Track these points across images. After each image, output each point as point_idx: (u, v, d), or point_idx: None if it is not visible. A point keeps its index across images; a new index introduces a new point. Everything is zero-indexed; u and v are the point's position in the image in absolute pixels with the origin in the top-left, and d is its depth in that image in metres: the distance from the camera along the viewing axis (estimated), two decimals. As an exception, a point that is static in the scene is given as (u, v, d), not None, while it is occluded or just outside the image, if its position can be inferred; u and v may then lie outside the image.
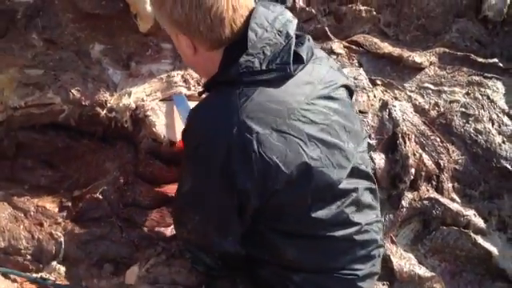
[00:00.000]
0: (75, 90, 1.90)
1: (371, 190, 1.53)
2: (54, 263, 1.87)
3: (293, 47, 1.30)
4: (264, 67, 1.26)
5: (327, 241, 1.40)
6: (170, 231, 1.97)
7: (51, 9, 1.88)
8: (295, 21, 1.36)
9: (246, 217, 1.35)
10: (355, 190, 1.43)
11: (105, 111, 1.93)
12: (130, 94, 1.97)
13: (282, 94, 1.28)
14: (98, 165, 2.04)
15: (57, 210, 1.96)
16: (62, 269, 1.87)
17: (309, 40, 1.39)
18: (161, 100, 2.05)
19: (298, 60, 1.33)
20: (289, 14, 1.36)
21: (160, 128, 1.99)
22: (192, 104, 2.02)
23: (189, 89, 2.08)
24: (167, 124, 2.01)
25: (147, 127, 1.99)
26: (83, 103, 1.91)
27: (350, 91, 1.53)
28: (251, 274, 1.54)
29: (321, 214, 1.35)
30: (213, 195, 1.31)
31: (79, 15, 1.92)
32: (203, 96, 1.52)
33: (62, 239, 1.90)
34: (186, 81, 2.09)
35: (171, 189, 2.00)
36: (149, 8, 1.88)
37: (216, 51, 1.31)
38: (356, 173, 1.44)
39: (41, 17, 1.88)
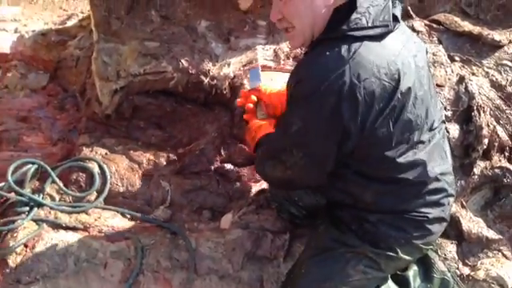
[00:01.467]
0: (184, 60, 2.19)
1: (444, 145, 1.70)
2: (162, 207, 2.18)
3: (391, 7, 1.51)
4: (370, 24, 1.47)
5: (402, 184, 1.59)
6: (258, 186, 2.24)
7: (168, -10, 2.18)
8: None
9: (340, 155, 1.53)
10: (432, 139, 1.61)
11: (208, 79, 2.20)
12: (229, 65, 2.24)
13: (383, 48, 1.49)
14: (199, 127, 2.32)
15: (164, 163, 2.28)
16: (169, 212, 2.17)
17: (400, 3, 1.58)
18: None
19: (395, 19, 1.53)
20: None
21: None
22: (270, 74, 2.23)
23: (278, 63, 2.32)
24: None
25: (242, 94, 2.25)
26: (190, 72, 2.19)
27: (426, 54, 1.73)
28: (330, 215, 1.76)
29: (401, 156, 1.55)
30: (321, 133, 1.50)
31: (190, -5, 2.21)
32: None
33: (169, 188, 2.21)
34: (276, 55, 2.33)
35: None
36: (250, -12, 2.14)
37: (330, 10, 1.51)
38: (434, 125, 1.63)
39: (159, -4, 2.18)
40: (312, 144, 1.54)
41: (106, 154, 2.27)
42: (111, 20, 2.17)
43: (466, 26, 2.57)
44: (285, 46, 2.36)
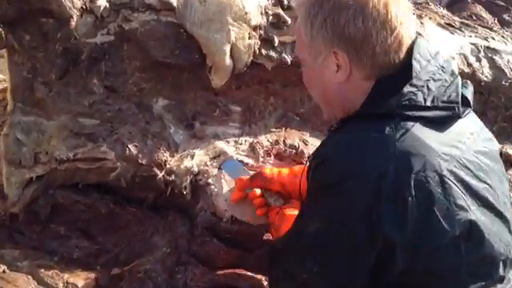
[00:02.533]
0: (132, 145, 1.73)
1: None
2: None
3: (460, 86, 1.20)
4: (428, 103, 1.15)
5: None
6: (222, 327, 1.69)
7: (118, 54, 1.74)
8: (455, 61, 1.28)
9: (380, 283, 1.13)
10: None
11: (163, 173, 1.73)
12: (192, 157, 1.78)
13: (445, 136, 1.15)
14: (145, 238, 1.82)
15: (90, 289, 1.71)
16: None
17: (471, 85, 1.28)
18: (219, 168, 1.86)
19: (464, 103, 1.20)
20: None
21: (221, 200, 1.77)
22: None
23: (256, 160, 1.86)
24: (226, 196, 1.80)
25: (207, 197, 1.78)
26: (140, 161, 1.73)
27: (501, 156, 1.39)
28: None
29: None
30: (346, 243, 1.12)
31: (147, 64, 1.78)
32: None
33: (93, 327, 1.62)
34: (253, 149, 1.88)
35: (229, 274, 1.75)
36: (228, 61, 1.74)
37: (368, 82, 1.20)
38: None
39: (105, 61, 1.74)
40: (334, 256, 1.16)
41: (4, 271, 1.66)
42: (36, 85, 1.69)
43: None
44: (264, 140, 1.90)
